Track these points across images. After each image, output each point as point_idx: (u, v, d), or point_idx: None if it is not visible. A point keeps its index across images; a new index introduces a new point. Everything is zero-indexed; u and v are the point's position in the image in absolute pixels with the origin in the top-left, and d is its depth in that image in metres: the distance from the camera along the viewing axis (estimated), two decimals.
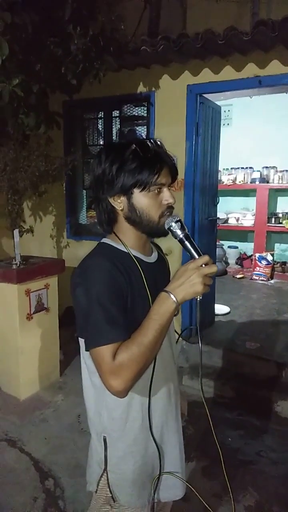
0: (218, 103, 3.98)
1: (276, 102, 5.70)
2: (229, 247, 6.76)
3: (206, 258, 0.99)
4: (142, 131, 4.02)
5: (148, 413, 1.12)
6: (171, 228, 1.06)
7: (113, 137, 4.12)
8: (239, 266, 6.52)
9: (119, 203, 1.09)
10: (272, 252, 6.15)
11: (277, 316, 4.43)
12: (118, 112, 4.07)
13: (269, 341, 3.73)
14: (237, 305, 4.73)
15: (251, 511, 2.14)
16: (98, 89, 3.33)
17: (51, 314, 3.37)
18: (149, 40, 3.26)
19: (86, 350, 1.01)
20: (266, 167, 6.31)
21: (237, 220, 6.52)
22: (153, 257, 1.20)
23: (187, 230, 1.06)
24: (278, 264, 6.19)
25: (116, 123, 4.13)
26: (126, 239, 1.12)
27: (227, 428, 2.79)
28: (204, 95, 3.59)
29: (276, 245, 6.54)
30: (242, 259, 6.57)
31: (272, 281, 5.95)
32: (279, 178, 6.15)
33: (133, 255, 1.10)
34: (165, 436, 1.21)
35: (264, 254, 5.99)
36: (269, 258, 5.96)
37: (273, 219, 6.11)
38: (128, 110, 4.03)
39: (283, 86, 3.42)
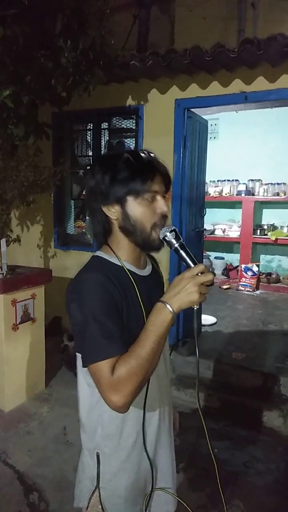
0: (205, 117, 4.07)
1: (261, 117, 5.84)
2: (215, 258, 6.83)
3: (201, 267, 0.98)
4: (130, 143, 4.07)
5: (143, 429, 1.11)
6: (166, 238, 1.05)
7: (102, 149, 4.16)
8: (226, 277, 6.58)
9: (113, 212, 1.08)
10: (257, 263, 6.23)
11: (262, 327, 4.48)
12: (107, 124, 4.12)
13: (255, 351, 3.76)
14: (224, 316, 4.77)
15: None
16: (87, 101, 3.37)
17: (37, 324, 3.34)
18: (138, 55, 3.33)
19: (84, 366, 1.00)
20: (252, 180, 6.43)
21: (224, 231, 6.60)
22: (146, 270, 1.18)
23: (182, 240, 1.05)
24: (264, 275, 6.27)
25: (105, 135, 4.18)
26: (120, 252, 1.10)
27: (213, 439, 2.80)
28: (192, 109, 3.67)
29: (262, 256, 6.63)
30: (228, 270, 6.63)
31: (257, 292, 6.02)
32: (264, 191, 6.26)
33: (127, 269, 1.09)
34: (158, 452, 1.20)
35: (249, 265, 6.06)
36: (255, 269, 6.04)
37: (258, 231, 6.21)
38: (117, 123, 4.08)
39: (268, 102, 3.51)
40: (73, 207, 4.58)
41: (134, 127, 3.92)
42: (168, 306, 0.96)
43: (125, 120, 4.02)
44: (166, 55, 3.17)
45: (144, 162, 1.06)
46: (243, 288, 6.04)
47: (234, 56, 2.97)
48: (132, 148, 3.98)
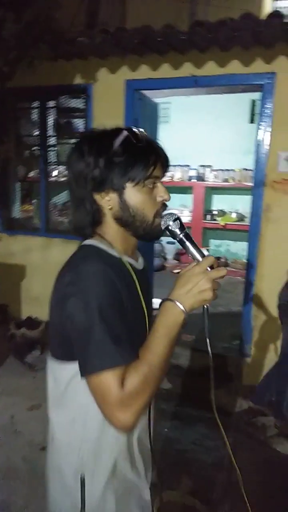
0: (157, 100, 4.02)
1: (212, 102, 5.89)
2: (167, 242, 6.88)
3: (211, 259, 0.88)
4: (79, 123, 3.94)
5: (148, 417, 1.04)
6: (169, 227, 0.93)
7: (48, 128, 4.00)
8: (177, 261, 6.68)
9: (107, 200, 0.94)
10: (207, 248, 6.37)
11: (211, 309, 4.55)
12: (54, 102, 3.96)
13: (204, 333, 3.86)
14: None
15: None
16: (32, 78, 3.21)
17: None
18: (87, 32, 3.21)
19: (83, 375, 0.84)
20: (202, 166, 6.51)
21: None
22: (140, 263, 1.07)
23: (186, 229, 0.94)
24: None
25: (52, 114, 4.01)
26: (114, 243, 0.97)
27: (164, 419, 2.85)
28: (143, 91, 3.61)
29: (211, 241, 6.79)
30: (180, 254, 6.73)
31: None
32: (214, 177, 6.38)
33: (128, 262, 0.98)
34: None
35: None
36: (205, 253, 6.17)
37: (208, 216, 6.34)
38: (64, 101, 3.93)
39: (218, 87, 3.53)
40: (19, 189, 4.40)
41: (83, 107, 3.79)
42: (179, 305, 0.86)
43: (74, 99, 3.87)
44: (115, 33, 3.08)
45: (145, 144, 0.92)
46: None
47: (185, 39, 2.94)
48: (81, 130, 3.86)
